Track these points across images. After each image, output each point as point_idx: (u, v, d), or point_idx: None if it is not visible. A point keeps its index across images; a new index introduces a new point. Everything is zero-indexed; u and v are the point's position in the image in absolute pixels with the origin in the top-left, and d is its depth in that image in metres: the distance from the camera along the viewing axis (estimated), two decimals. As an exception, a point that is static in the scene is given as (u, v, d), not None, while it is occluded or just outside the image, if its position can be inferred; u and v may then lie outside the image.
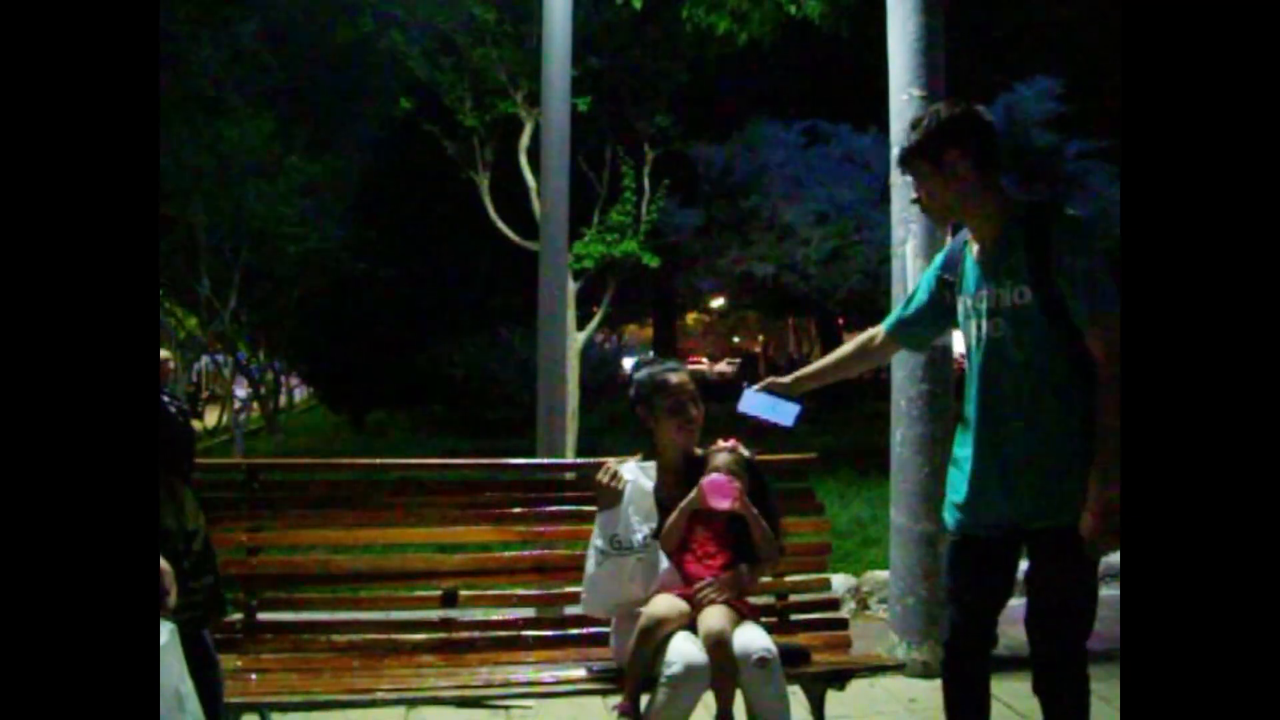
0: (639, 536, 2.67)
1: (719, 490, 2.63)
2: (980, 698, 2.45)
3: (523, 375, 11.34)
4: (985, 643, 2.42)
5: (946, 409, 3.90)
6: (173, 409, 2.30)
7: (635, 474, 2.75)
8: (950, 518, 2.41)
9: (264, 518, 3.02)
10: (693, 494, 2.66)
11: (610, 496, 2.70)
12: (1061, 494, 2.15)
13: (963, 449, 2.37)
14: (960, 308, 2.38)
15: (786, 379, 2.66)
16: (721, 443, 2.80)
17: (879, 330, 2.66)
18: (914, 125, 2.31)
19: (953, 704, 2.46)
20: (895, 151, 2.40)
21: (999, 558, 2.33)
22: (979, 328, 2.28)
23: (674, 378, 2.80)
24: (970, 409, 2.34)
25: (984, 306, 2.27)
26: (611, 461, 2.78)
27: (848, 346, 2.72)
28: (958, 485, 2.37)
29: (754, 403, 2.63)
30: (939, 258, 2.52)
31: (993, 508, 2.27)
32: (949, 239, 2.57)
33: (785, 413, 2.60)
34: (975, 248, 2.33)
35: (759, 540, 2.68)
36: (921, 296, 2.53)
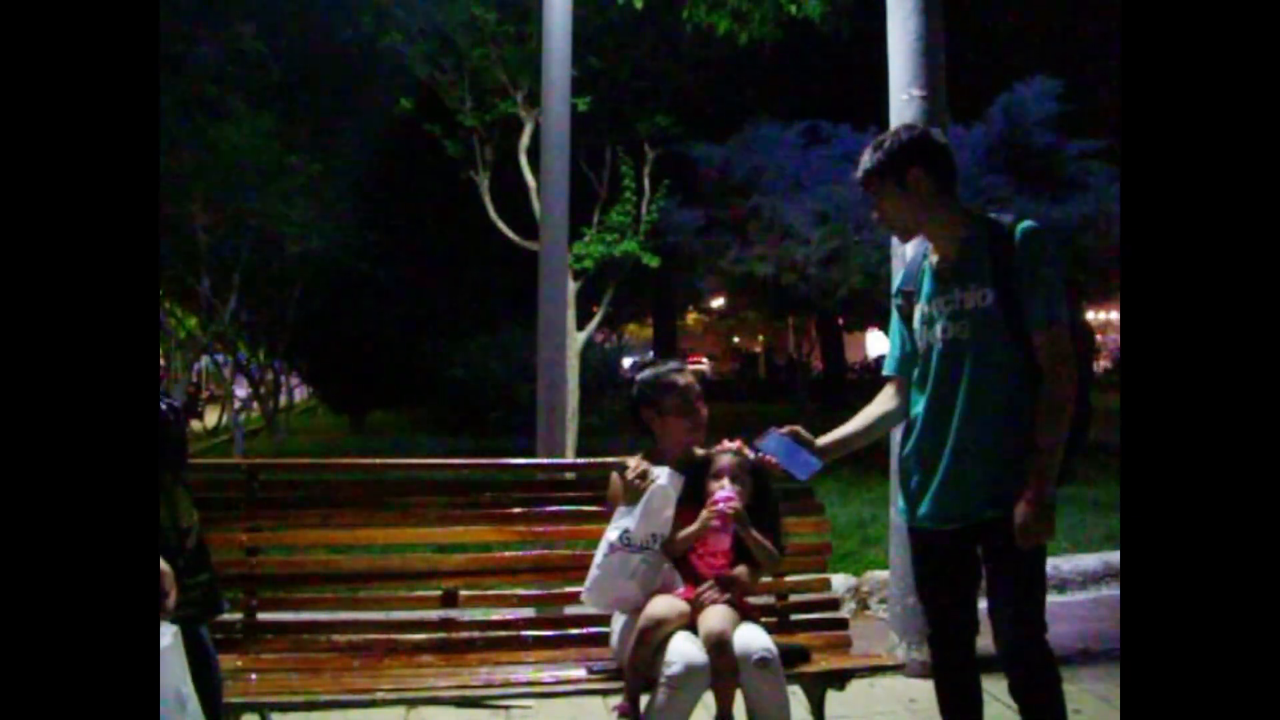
0: (654, 544, 2.67)
1: (718, 532, 2.66)
2: (969, 692, 2.49)
3: (523, 375, 11.34)
4: (964, 633, 2.46)
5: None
6: (162, 406, 2.30)
7: (666, 479, 2.71)
8: (905, 515, 2.49)
9: (264, 518, 3.02)
10: (695, 526, 2.66)
11: (630, 494, 2.69)
12: (1010, 486, 2.23)
13: (911, 447, 2.45)
14: (918, 315, 2.47)
15: (814, 439, 2.57)
16: (727, 443, 2.80)
17: (887, 381, 2.64)
18: (876, 146, 2.41)
19: (943, 698, 2.54)
20: (858, 172, 2.46)
21: (956, 550, 2.39)
22: (944, 330, 2.37)
23: (681, 378, 2.81)
24: (921, 407, 2.42)
25: (947, 310, 2.36)
26: (633, 463, 2.77)
27: (869, 407, 2.63)
28: (908, 483, 2.46)
29: (774, 445, 2.55)
30: (897, 279, 2.65)
31: (947, 502, 2.35)
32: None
33: (803, 464, 2.52)
34: (935, 258, 2.44)
35: (756, 553, 2.69)
36: (898, 328, 2.60)
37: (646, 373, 2.87)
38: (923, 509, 2.41)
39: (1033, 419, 2.23)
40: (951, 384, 2.34)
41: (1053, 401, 2.21)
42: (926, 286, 2.45)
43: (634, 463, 2.74)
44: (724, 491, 2.65)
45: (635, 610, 2.62)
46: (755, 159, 12.12)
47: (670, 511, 2.70)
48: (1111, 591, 5.13)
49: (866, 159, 2.43)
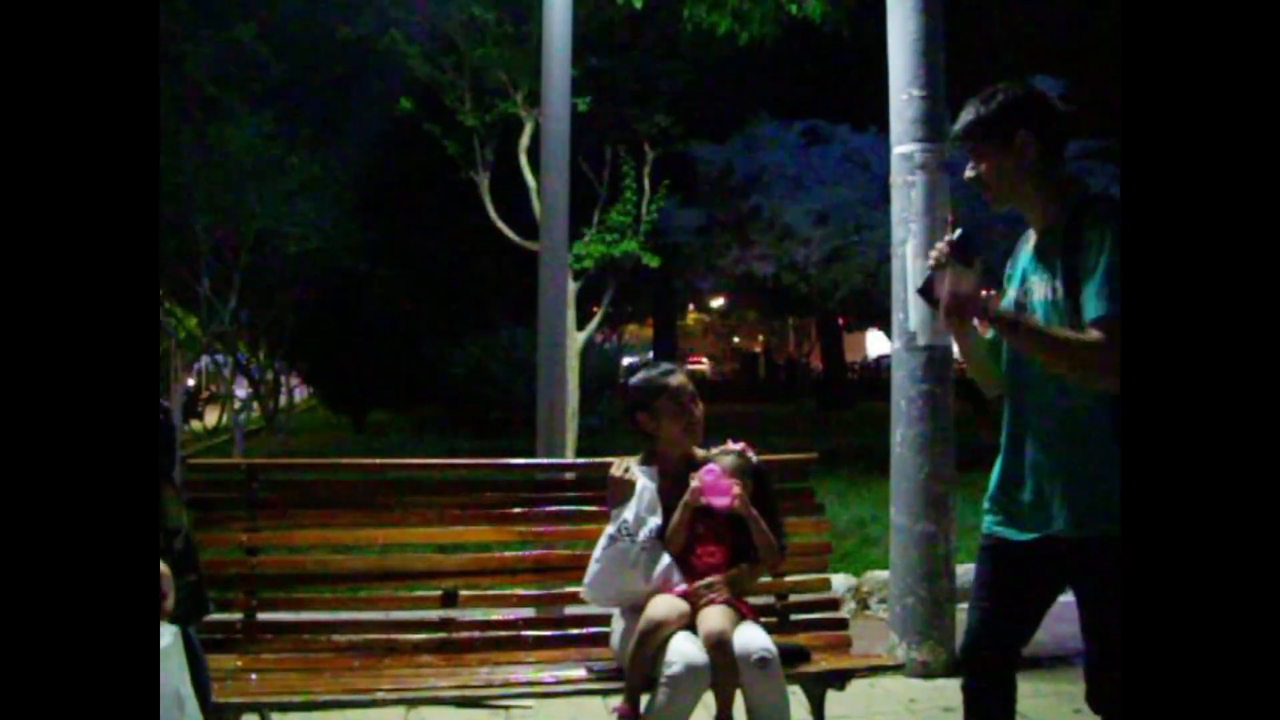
0: (645, 529, 2.67)
1: (716, 489, 2.63)
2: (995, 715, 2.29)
3: (523, 375, 11.34)
4: (1008, 658, 2.27)
5: (946, 409, 3.90)
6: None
7: (642, 471, 2.77)
8: (983, 520, 2.29)
9: (264, 518, 3.02)
10: (689, 493, 2.66)
11: (624, 490, 2.71)
12: (1095, 499, 2.02)
13: (1000, 453, 2.26)
14: (1004, 302, 2.27)
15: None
16: (731, 444, 2.80)
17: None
18: (984, 99, 2.17)
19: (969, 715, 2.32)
20: (959, 123, 2.21)
21: (1028, 568, 2.17)
22: None
23: (673, 380, 2.80)
24: (1004, 408, 2.24)
25: (1025, 300, 2.17)
26: (616, 461, 2.80)
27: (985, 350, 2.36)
28: (990, 486, 2.27)
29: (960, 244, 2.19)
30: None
31: (1022, 513, 2.17)
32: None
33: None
34: (1031, 241, 2.24)
35: (760, 545, 2.69)
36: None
37: (638, 377, 2.86)
38: (997, 515, 2.23)
39: (1114, 424, 1.96)
40: (1022, 385, 2.17)
41: (1070, 352, 1.96)
42: (1018, 271, 2.23)
43: (617, 461, 2.78)
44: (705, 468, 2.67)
45: (635, 610, 2.62)
46: (755, 159, 12.14)
47: (657, 496, 2.72)
48: (1111, 591, 5.13)
49: (970, 112, 2.18)
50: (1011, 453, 2.21)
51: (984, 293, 2.11)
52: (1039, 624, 2.28)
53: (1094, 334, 1.96)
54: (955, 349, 3.29)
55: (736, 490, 2.65)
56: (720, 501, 2.64)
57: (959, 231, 2.19)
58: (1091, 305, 1.98)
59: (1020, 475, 2.17)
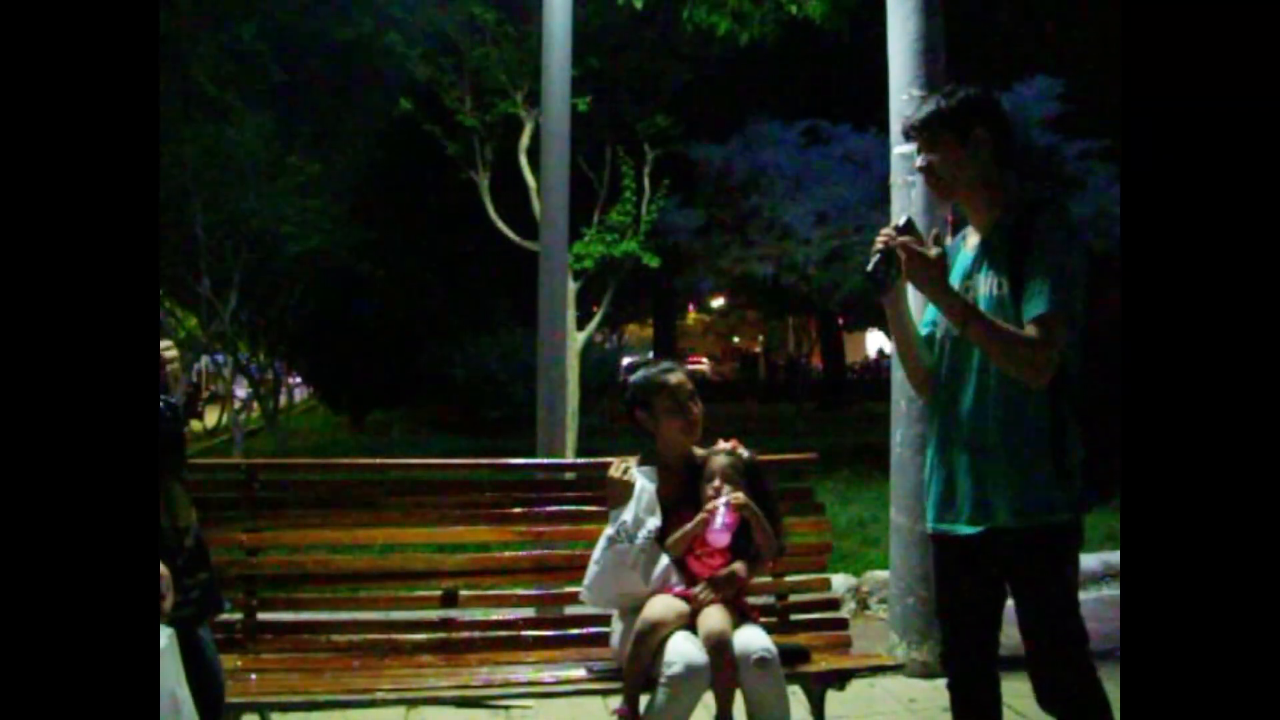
0: (644, 531, 2.67)
1: (717, 533, 2.64)
2: (987, 712, 2.32)
3: (523, 375, 11.35)
4: (982, 652, 2.30)
5: (946, 409, 3.90)
6: (159, 405, 2.29)
7: (641, 472, 2.76)
8: (928, 519, 2.35)
9: (264, 518, 3.02)
10: (691, 525, 2.66)
11: (623, 492, 2.71)
12: (1033, 496, 2.10)
13: (931, 446, 2.32)
14: None
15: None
16: (722, 443, 2.80)
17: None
18: (944, 95, 2.23)
19: (957, 716, 2.35)
20: (919, 113, 2.26)
21: (975, 558, 2.22)
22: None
23: (672, 378, 2.80)
24: (937, 402, 2.29)
25: (968, 298, 2.20)
26: (615, 462, 2.80)
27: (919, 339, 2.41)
28: (929, 485, 2.33)
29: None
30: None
31: (963, 508, 2.21)
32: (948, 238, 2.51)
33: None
34: (971, 240, 2.30)
35: (761, 541, 2.69)
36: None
37: (639, 375, 2.87)
38: (940, 511, 2.28)
39: (1051, 419, 2.08)
40: (961, 379, 2.21)
41: (1013, 348, 2.03)
42: (956, 270, 2.27)
43: (616, 461, 2.78)
44: (721, 499, 2.66)
45: (635, 611, 2.62)
46: (755, 159, 12.13)
47: (655, 498, 2.71)
48: (1111, 591, 5.14)
49: (931, 104, 2.24)
50: (947, 447, 2.26)
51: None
52: (1000, 617, 2.30)
53: (1031, 330, 2.04)
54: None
55: (732, 517, 2.64)
56: (721, 541, 2.66)
57: (905, 218, 2.25)
58: (1033, 303, 2.06)
59: (960, 469, 2.22)
